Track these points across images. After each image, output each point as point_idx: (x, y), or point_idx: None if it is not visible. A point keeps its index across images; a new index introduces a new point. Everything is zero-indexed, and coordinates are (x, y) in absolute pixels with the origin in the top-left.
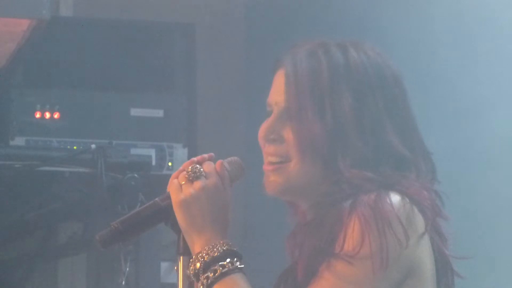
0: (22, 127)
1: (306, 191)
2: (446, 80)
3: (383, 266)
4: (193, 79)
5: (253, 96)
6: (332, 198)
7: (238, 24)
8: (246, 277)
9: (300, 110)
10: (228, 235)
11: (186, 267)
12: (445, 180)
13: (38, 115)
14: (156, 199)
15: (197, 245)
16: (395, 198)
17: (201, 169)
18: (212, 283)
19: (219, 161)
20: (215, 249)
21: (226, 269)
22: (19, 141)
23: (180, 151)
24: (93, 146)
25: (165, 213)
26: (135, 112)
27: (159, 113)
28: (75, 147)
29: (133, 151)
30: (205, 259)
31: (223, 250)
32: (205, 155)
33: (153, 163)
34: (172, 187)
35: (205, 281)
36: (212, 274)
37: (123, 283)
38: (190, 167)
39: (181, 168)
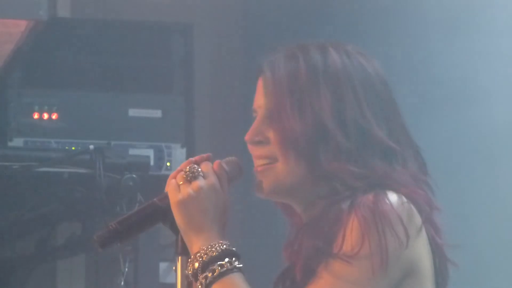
0: (20, 128)
1: (296, 190)
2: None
3: (382, 266)
4: (191, 80)
5: (251, 97)
6: (328, 200)
7: (236, 24)
8: (245, 277)
9: (280, 110)
10: (226, 235)
11: (184, 267)
12: (445, 172)
13: (36, 116)
14: (154, 199)
15: (195, 245)
16: (393, 197)
17: (199, 169)
18: (211, 282)
19: (217, 161)
20: (213, 249)
21: (224, 269)
22: (17, 142)
23: (178, 151)
24: (91, 146)
25: (163, 213)
26: (133, 112)
27: (157, 113)
28: (73, 148)
29: (131, 151)
30: (204, 259)
31: (222, 250)
32: (203, 155)
33: (152, 163)
34: (170, 187)
35: (203, 281)
36: (211, 274)
37: (122, 283)
38: (188, 167)
39: (179, 168)
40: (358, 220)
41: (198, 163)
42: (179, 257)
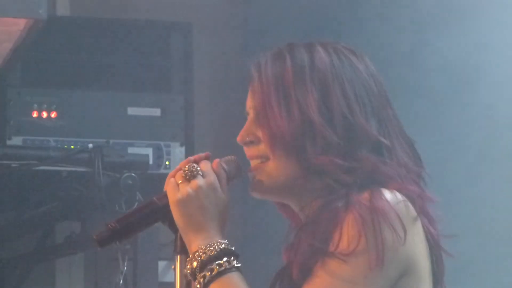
0: (19, 127)
1: (289, 188)
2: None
3: (379, 262)
4: (190, 78)
5: None
6: (324, 199)
7: (235, 23)
8: (243, 276)
9: (266, 108)
10: (225, 234)
11: (183, 266)
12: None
13: (35, 114)
14: (153, 198)
15: (194, 244)
16: (388, 194)
17: (198, 168)
18: (209, 282)
19: (216, 160)
20: (212, 248)
21: (223, 268)
22: (16, 140)
23: (177, 150)
24: (90, 145)
25: (162, 212)
26: (132, 111)
27: (156, 112)
28: (72, 147)
29: (130, 150)
30: (202, 258)
31: (220, 249)
32: (202, 154)
33: (151, 162)
34: (169, 186)
35: (201, 280)
36: (209, 273)
37: (121, 282)
38: (187, 166)
39: (178, 167)
40: (355, 218)
41: (197, 162)
42: (178, 256)
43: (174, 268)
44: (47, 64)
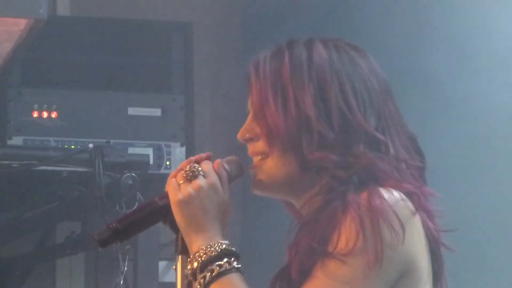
0: (20, 127)
1: (288, 184)
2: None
3: (377, 263)
4: (191, 78)
5: None
6: (322, 198)
7: (235, 23)
8: (243, 277)
9: (263, 105)
10: (226, 235)
11: (184, 266)
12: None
13: (35, 114)
14: (155, 198)
15: (195, 244)
16: (386, 193)
17: (199, 168)
18: (209, 282)
19: (217, 161)
20: (212, 249)
21: (223, 268)
22: (16, 140)
23: (178, 150)
24: (90, 145)
25: (164, 212)
26: (132, 111)
27: (157, 112)
28: (72, 147)
29: (131, 150)
30: (203, 258)
31: (221, 250)
32: (203, 154)
33: (151, 162)
34: (170, 186)
35: (202, 280)
36: (209, 273)
37: (121, 282)
38: (188, 166)
39: (179, 167)
40: (353, 219)
41: (198, 162)
42: (179, 256)
43: (176, 269)
44: (48, 64)
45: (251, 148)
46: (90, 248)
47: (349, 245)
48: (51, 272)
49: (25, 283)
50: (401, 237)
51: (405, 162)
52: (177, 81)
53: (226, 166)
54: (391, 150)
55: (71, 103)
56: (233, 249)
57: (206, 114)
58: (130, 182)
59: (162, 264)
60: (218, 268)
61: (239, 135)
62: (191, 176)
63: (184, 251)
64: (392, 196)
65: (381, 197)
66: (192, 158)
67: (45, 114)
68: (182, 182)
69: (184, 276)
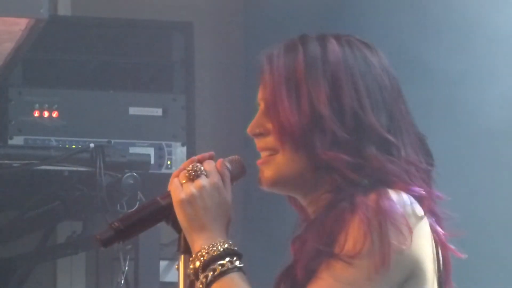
0: (21, 126)
1: (297, 181)
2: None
3: (384, 266)
4: (192, 78)
5: (252, 95)
6: (330, 197)
7: (236, 23)
8: (245, 277)
9: (276, 101)
10: (228, 234)
11: (187, 265)
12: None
13: (36, 114)
14: (157, 197)
15: (197, 244)
16: (394, 195)
17: (202, 168)
18: (211, 282)
19: (220, 160)
20: (214, 248)
21: (225, 268)
22: (17, 140)
23: (179, 150)
24: (91, 145)
25: (166, 212)
26: (133, 111)
27: (158, 112)
28: (73, 146)
29: (132, 150)
30: (205, 258)
31: (223, 249)
32: (206, 154)
33: (152, 162)
34: (172, 185)
35: (204, 280)
36: (211, 273)
37: (122, 282)
38: (190, 166)
39: (181, 166)
40: (361, 220)
41: (201, 161)
42: (182, 256)
43: (178, 268)
44: (49, 63)
45: (260, 143)
46: (91, 248)
47: (357, 247)
48: (52, 272)
49: (26, 283)
50: (409, 241)
51: (415, 166)
52: (178, 81)
53: (229, 166)
54: (402, 153)
55: (72, 103)
56: (235, 248)
57: (207, 114)
58: (131, 181)
59: (163, 263)
60: (220, 267)
61: (248, 130)
62: (194, 176)
63: (186, 250)
64: (401, 198)
65: (389, 199)
66: (195, 157)
67: (46, 114)
68: (184, 181)
69: (186, 275)
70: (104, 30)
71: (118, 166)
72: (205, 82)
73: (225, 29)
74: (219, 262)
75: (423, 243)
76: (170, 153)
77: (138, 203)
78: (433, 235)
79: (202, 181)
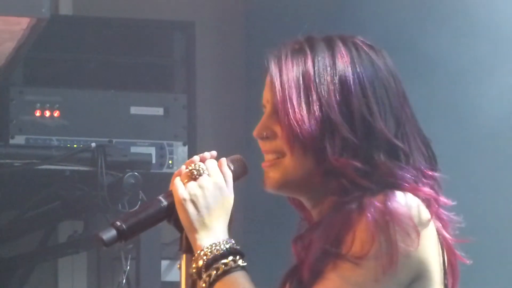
0: (22, 126)
1: (304, 185)
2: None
3: (391, 267)
4: (193, 77)
5: (253, 94)
6: (337, 199)
7: (237, 22)
8: (248, 275)
9: (286, 105)
10: (231, 233)
11: (189, 265)
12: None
13: (38, 113)
14: (159, 197)
15: (200, 243)
16: (402, 197)
17: (204, 167)
18: (214, 281)
19: (222, 159)
20: (217, 247)
21: (228, 267)
22: (19, 139)
23: (180, 149)
24: (93, 144)
25: (168, 211)
26: (135, 110)
27: (159, 111)
28: (75, 146)
29: (133, 149)
30: (208, 257)
31: (226, 248)
32: (208, 153)
33: (153, 161)
34: (174, 185)
35: (207, 279)
36: (214, 272)
37: (124, 281)
38: (192, 165)
39: (183, 166)
40: (368, 221)
41: (203, 161)
42: (184, 255)
43: (180, 267)
44: (50, 63)
45: (267, 145)
46: (93, 247)
47: (364, 248)
48: (53, 271)
49: (27, 282)
50: (416, 243)
51: (422, 172)
52: (179, 80)
53: (231, 165)
54: (410, 159)
55: (74, 102)
56: (238, 247)
57: (209, 113)
58: (133, 181)
59: (164, 263)
60: (223, 266)
61: (255, 133)
62: (196, 175)
63: (189, 250)
64: (408, 200)
65: (397, 200)
66: (197, 157)
67: (47, 113)
68: (186, 180)
69: (188, 275)
70: (105, 30)
71: (119, 166)
72: (206, 82)
73: (226, 29)
74: (223, 261)
75: (429, 245)
76: (171, 153)
77: (139, 202)
78: (440, 240)
79: (204, 180)
